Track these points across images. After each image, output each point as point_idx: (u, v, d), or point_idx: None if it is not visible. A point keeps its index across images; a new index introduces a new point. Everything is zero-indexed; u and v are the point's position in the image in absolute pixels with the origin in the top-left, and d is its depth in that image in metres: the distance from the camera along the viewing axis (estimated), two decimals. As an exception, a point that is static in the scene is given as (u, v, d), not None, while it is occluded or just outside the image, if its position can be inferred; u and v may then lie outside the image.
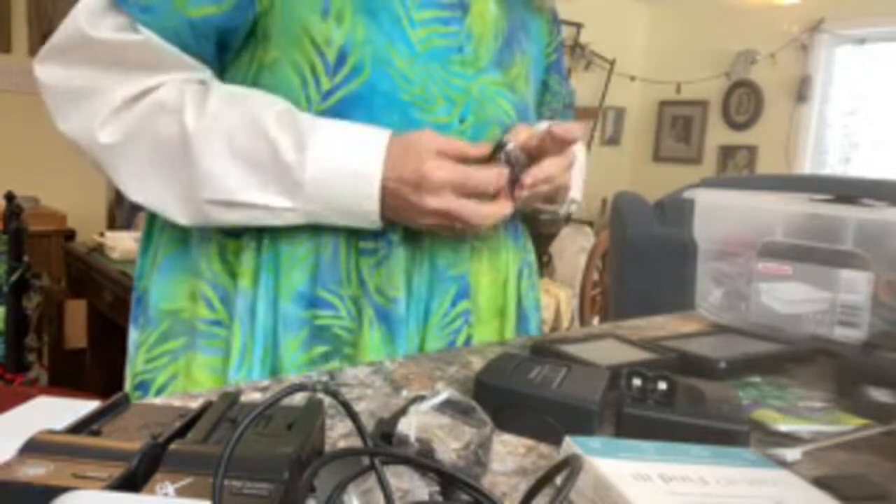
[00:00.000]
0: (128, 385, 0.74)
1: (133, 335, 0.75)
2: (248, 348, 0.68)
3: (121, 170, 0.65)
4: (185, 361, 0.70)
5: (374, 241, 0.69)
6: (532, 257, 0.89)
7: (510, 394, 0.51)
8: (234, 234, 0.69)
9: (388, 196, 0.65)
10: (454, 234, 0.71)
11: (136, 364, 0.73)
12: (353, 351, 0.69)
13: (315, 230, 0.68)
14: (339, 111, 0.66)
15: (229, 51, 0.68)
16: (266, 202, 0.63)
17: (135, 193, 0.66)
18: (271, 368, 0.68)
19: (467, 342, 0.75)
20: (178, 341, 0.71)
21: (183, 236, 0.72)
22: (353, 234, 0.69)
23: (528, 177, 0.68)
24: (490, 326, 0.80)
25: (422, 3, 0.69)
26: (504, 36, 0.77)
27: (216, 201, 0.63)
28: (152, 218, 0.75)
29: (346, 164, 0.63)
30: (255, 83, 0.68)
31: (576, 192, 0.83)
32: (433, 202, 0.64)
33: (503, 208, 0.68)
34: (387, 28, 0.67)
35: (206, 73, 0.68)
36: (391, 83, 0.67)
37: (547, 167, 0.69)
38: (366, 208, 0.64)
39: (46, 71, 0.65)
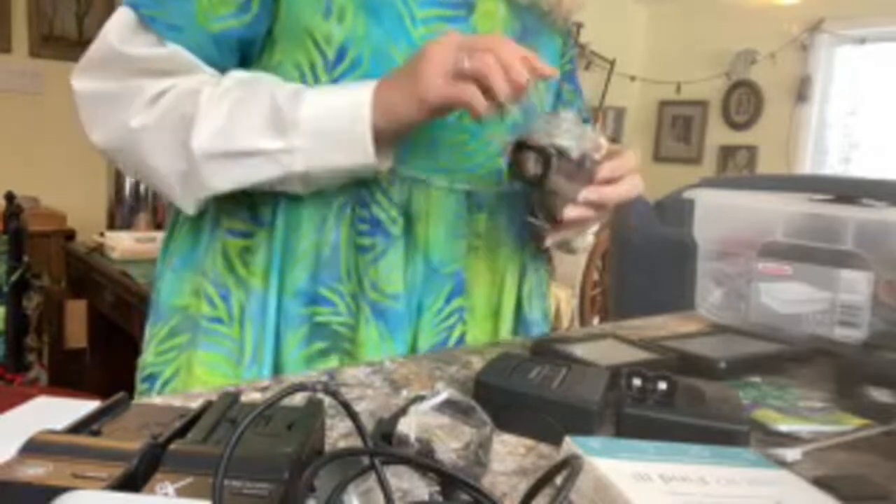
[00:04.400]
0: (137, 377, 0.77)
1: (147, 331, 0.78)
2: (259, 347, 0.70)
3: (145, 151, 0.67)
4: (187, 357, 0.72)
5: (371, 237, 0.70)
6: (542, 269, 0.87)
7: (510, 394, 0.51)
8: (241, 232, 0.71)
9: (384, 94, 0.63)
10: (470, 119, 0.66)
11: (146, 357, 0.76)
12: (351, 347, 0.70)
13: (317, 220, 0.69)
14: None
15: (246, 61, 0.71)
16: (260, 145, 0.64)
17: (153, 175, 0.68)
18: (273, 365, 0.70)
19: (461, 339, 0.75)
20: (184, 336, 0.73)
21: (195, 235, 0.74)
22: (353, 230, 0.70)
23: (571, 210, 0.67)
24: (485, 326, 0.79)
25: (424, 2, 0.69)
26: (514, 39, 0.76)
27: (213, 154, 0.64)
28: (173, 225, 0.78)
29: (339, 98, 0.64)
30: None
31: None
32: (438, 61, 0.60)
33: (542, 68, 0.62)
34: (388, 25, 0.67)
35: None
36: None
37: (582, 212, 0.68)
38: (358, 129, 0.63)
39: (82, 82, 0.68)
